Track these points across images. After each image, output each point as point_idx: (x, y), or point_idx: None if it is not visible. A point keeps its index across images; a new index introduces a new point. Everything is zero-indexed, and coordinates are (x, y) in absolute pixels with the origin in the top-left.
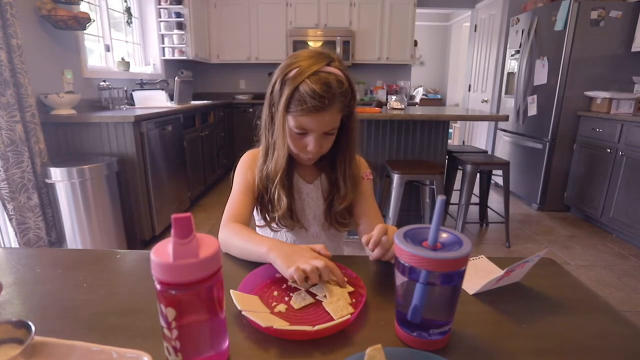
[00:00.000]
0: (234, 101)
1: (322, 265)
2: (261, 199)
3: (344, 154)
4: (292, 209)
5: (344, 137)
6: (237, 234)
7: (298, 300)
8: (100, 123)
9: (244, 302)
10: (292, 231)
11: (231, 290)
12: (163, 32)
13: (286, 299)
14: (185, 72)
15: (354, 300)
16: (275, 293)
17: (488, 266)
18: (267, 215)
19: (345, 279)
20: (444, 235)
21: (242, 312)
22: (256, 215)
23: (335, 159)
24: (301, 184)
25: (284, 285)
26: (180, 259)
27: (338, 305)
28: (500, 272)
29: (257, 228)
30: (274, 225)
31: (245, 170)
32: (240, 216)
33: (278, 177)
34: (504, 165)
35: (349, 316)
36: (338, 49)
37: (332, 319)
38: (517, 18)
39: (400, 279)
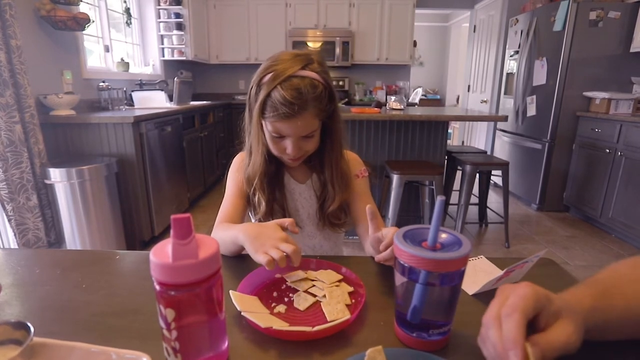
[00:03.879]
0: (234, 102)
1: (291, 250)
2: (250, 201)
3: (329, 156)
4: (285, 208)
5: (327, 139)
6: (222, 231)
7: (301, 302)
8: (100, 124)
9: (244, 303)
10: (287, 231)
11: (230, 291)
12: (162, 32)
13: (286, 299)
14: (184, 72)
15: (353, 300)
16: (275, 294)
17: (487, 266)
18: (256, 216)
19: (342, 278)
20: (444, 235)
21: (242, 313)
22: (252, 218)
23: (323, 158)
24: (293, 184)
25: (284, 286)
26: (180, 259)
27: (335, 308)
28: (499, 272)
29: None
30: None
31: (236, 173)
32: (232, 219)
33: (256, 179)
34: (503, 166)
35: (346, 317)
36: (337, 50)
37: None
38: (516, 19)
39: (399, 279)
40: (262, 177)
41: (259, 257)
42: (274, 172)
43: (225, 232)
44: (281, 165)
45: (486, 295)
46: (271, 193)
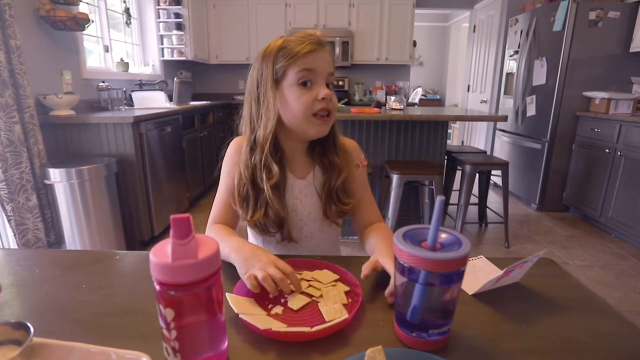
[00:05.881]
0: (233, 102)
1: (279, 278)
2: (245, 193)
3: (330, 131)
4: (283, 202)
5: None
6: (216, 236)
7: (295, 301)
8: (99, 124)
9: (240, 305)
10: (283, 230)
11: (227, 294)
12: (162, 32)
13: (282, 300)
14: (184, 72)
15: (350, 300)
16: (270, 295)
17: (487, 266)
18: (248, 211)
19: (338, 278)
20: (443, 235)
21: (240, 316)
22: (247, 213)
23: (324, 141)
24: (292, 180)
25: (279, 287)
26: (179, 259)
27: (333, 308)
28: (499, 272)
29: (248, 230)
30: (259, 226)
31: (231, 163)
32: (225, 218)
33: (268, 143)
34: (503, 166)
35: (344, 317)
36: (337, 50)
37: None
38: (516, 19)
39: (399, 279)
40: (272, 140)
41: (246, 280)
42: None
43: (220, 244)
44: (283, 159)
45: (486, 295)
46: (281, 166)
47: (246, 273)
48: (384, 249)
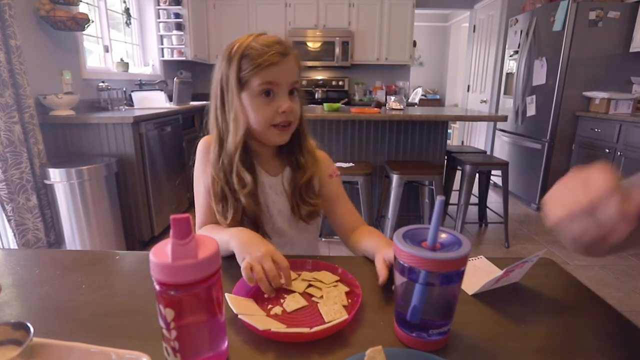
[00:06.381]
0: None
1: (272, 274)
2: (221, 193)
3: (298, 133)
4: (256, 201)
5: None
6: (210, 233)
7: (290, 303)
8: (99, 124)
9: (240, 306)
10: (256, 226)
11: (226, 294)
12: (162, 32)
13: (281, 301)
14: (184, 72)
15: (350, 300)
16: (266, 295)
17: (487, 266)
18: (228, 209)
19: (338, 279)
20: (443, 235)
21: (239, 316)
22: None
23: (294, 142)
24: (264, 176)
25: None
26: (179, 259)
27: (332, 309)
28: (499, 272)
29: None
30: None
31: (204, 164)
32: (213, 220)
33: (237, 153)
34: (503, 166)
35: (344, 317)
36: (337, 50)
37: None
38: (516, 19)
39: (399, 279)
40: (242, 151)
41: (242, 270)
42: (249, 161)
43: (216, 236)
44: (254, 157)
45: (486, 295)
46: (251, 168)
47: (244, 260)
48: (384, 246)
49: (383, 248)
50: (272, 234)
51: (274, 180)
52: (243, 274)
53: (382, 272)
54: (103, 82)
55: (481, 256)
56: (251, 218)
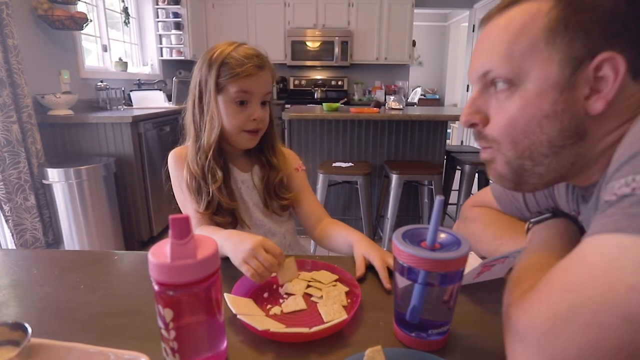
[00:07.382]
0: None
1: (267, 264)
2: (197, 186)
3: (268, 137)
4: (232, 195)
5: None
6: (207, 233)
7: (291, 305)
8: (98, 123)
9: (239, 306)
10: (235, 217)
11: (225, 294)
12: (161, 32)
13: (281, 301)
14: (183, 72)
15: (349, 300)
16: (268, 295)
17: (475, 261)
18: (202, 200)
19: (338, 278)
20: (443, 235)
21: (238, 316)
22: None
23: (262, 142)
24: (236, 172)
25: (276, 287)
26: (178, 259)
27: (332, 309)
28: (477, 265)
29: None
30: (217, 218)
31: (179, 174)
32: (202, 222)
33: (212, 148)
34: None
35: (343, 317)
36: (336, 49)
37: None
38: None
39: (398, 279)
40: (216, 148)
41: (243, 270)
42: (222, 158)
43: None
44: (226, 155)
45: (486, 296)
46: (224, 165)
47: (238, 260)
48: (362, 241)
49: (361, 241)
50: (252, 225)
51: (245, 176)
52: (247, 275)
53: (360, 267)
54: (101, 81)
55: (470, 252)
56: (229, 210)
